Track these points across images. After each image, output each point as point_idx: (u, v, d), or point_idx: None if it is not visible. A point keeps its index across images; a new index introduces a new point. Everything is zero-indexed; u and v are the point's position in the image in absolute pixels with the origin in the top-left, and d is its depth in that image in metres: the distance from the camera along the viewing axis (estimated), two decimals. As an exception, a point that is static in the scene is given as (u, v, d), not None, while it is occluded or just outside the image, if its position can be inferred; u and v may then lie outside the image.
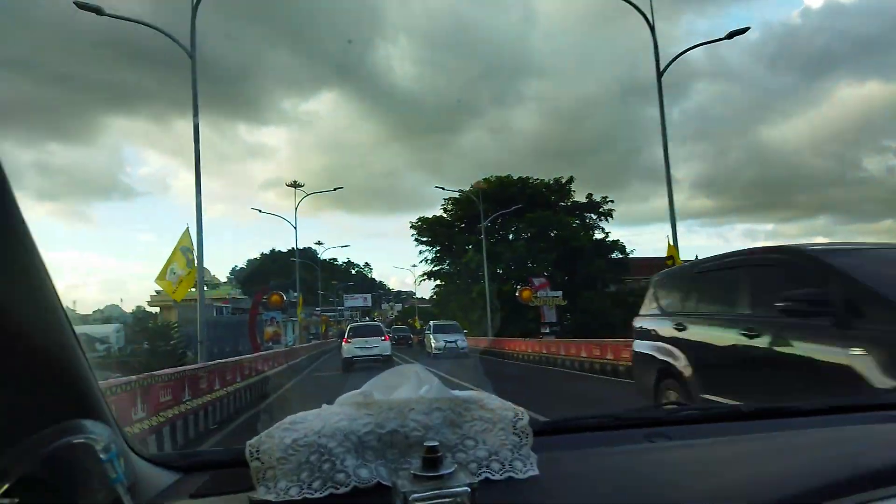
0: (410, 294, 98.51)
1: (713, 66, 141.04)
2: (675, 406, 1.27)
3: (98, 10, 12.52)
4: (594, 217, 38.24)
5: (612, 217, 38.10)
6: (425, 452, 0.78)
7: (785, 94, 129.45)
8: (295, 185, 31.75)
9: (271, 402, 11.43)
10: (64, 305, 0.64)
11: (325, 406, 0.97)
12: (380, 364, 19.07)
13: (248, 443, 0.87)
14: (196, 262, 10.04)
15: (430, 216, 41.59)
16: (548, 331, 25.93)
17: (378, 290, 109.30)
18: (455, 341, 25.53)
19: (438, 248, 41.15)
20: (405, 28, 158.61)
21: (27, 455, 0.59)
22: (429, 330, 28.40)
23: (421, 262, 44.47)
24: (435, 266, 42.09)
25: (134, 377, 6.38)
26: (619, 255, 37.05)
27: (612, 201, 38.40)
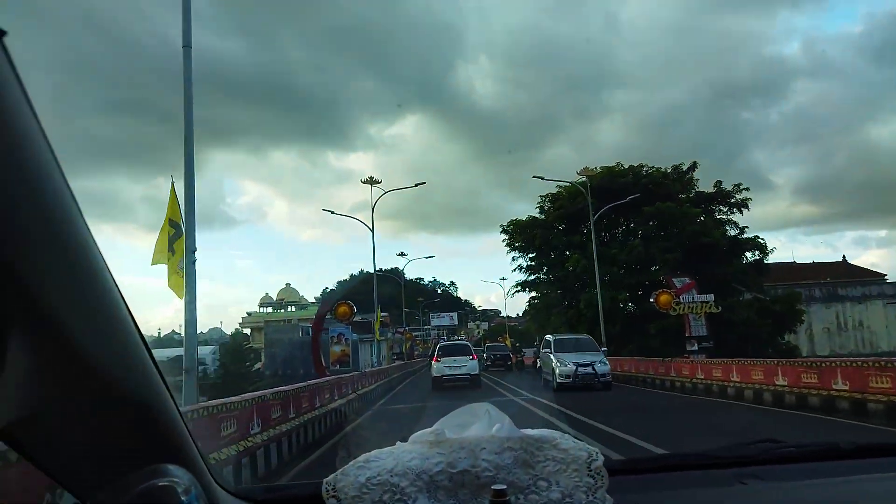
0: (496, 312, 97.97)
1: (812, 63, 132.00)
2: (768, 443, 1.18)
3: None
4: (724, 209, 30.47)
5: (747, 208, 30.04)
6: (493, 496, 0.78)
7: (894, 88, 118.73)
8: (371, 181, 32.15)
9: (346, 434, 10.87)
10: (153, 355, 0.71)
11: (398, 444, 0.99)
12: (467, 384, 19.88)
13: (325, 480, 0.91)
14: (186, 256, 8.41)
15: (524, 218, 35.15)
16: (696, 347, 19.29)
17: (463, 308, 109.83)
18: (592, 364, 17.67)
19: (534, 254, 34.70)
20: (486, 47, 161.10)
21: (115, 498, 0.66)
22: (547, 347, 20.05)
23: (514, 270, 37.36)
24: (530, 276, 35.28)
25: (205, 403, 6.51)
26: (758, 255, 29.19)
27: (747, 188, 30.43)
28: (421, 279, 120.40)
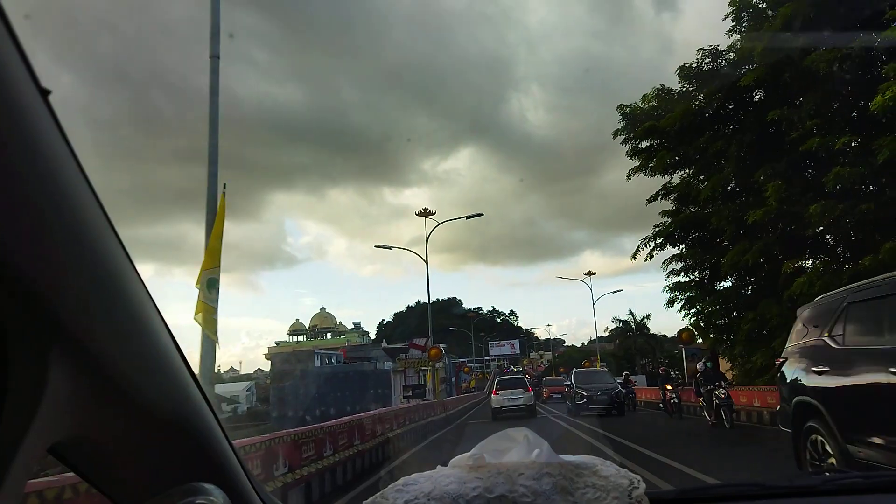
0: (560, 341, 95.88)
1: None
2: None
3: None
4: None
5: None
6: None
7: None
8: (426, 213, 32.63)
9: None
10: (196, 376, 0.77)
11: (438, 467, 1.02)
12: (524, 414, 22.17)
13: (364, 502, 0.95)
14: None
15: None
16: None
17: (524, 336, 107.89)
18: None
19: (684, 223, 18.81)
20: (536, 77, 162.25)
21: None
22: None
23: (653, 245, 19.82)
24: (683, 264, 19.56)
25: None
26: None
27: None
28: (479, 308, 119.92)
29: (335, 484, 8.91)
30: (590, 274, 48.96)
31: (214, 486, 0.77)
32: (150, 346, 0.68)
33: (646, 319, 53.68)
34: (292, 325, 78.64)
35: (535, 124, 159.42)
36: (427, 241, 31.02)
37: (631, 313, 54.17)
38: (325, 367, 46.17)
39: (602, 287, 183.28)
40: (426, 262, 30.84)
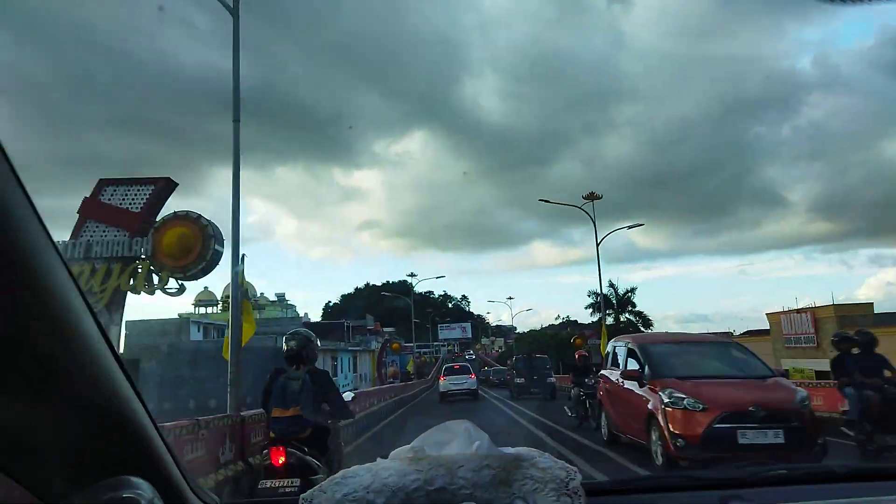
0: (512, 328, 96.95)
1: (825, 76, 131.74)
2: (757, 465, 1.21)
3: None
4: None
5: None
6: None
7: None
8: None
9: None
10: (126, 368, 0.75)
11: (378, 460, 1.04)
12: (469, 398, 24.89)
13: (302, 496, 0.95)
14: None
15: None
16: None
17: (476, 320, 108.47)
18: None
19: None
20: (490, 62, 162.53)
21: None
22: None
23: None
24: None
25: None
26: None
27: None
28: (430, 293, 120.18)
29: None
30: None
31: (142, 479, 0.76)
32: (73, 334, 0.65)
33: (631, 294, 45.53)
34: (199, 294, 64.81)
35: (488, 110, 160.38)
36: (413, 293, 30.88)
37: (612, 285, 45.21)
38: (205, 343, 34.77)
39: (552, 277, 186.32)
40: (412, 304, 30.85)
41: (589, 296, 46.49)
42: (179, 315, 45.53)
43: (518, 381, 25.65)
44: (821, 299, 31.41)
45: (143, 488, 0.74)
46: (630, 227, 28.95)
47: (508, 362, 48.53)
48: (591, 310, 46.12)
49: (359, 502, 0.93)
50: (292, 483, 4.27)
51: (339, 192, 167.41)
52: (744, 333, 40.37)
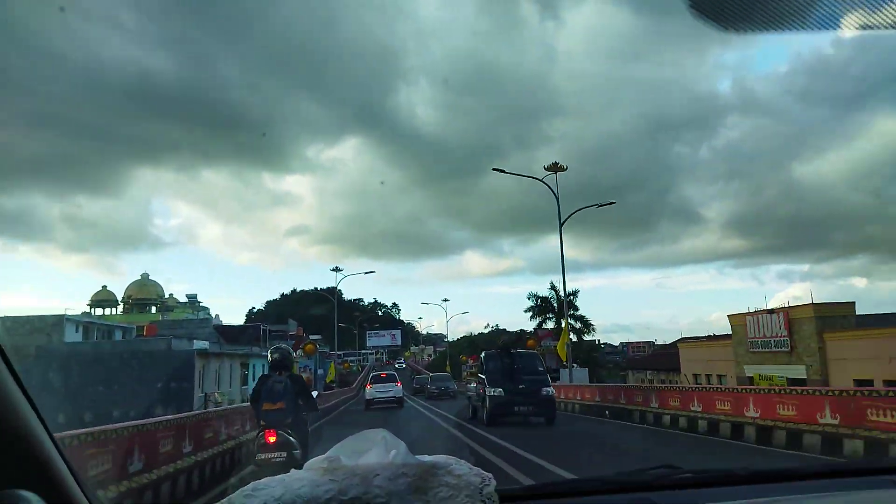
0: (442, 337, 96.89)
1: (742, 99, 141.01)
2: (664, 469, 1.27)
3: None
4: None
5: None
6: None
7: (819, 127, 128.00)
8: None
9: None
10: (19, 377, 0.71)
11: (292, 471, 1.02)
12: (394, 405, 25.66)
13: None
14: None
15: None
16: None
17: (405, 327, 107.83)
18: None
19: None
20: (424, 71, 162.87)
21: None
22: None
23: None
24: None
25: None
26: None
27: None
28: (360, 299, 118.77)
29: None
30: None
31: (33, 493, 0.73)
32: None
33: (573, 297, 43.34)
34: (95, 294, 57.06)
35: (424, 120, 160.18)
36: (336, 287, 30.15)
37: (553, 288, 43.74)
38: (82, 345, 29.81)
39: (483, 287, 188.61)
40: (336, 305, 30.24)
41: (529, 298, 45.59)
42: (79, 316, 38.88)
43: (494, 391, 15.69)
44: (732, 311, 30.86)
45: (33, 502, 0.70)
46: (599, 206, 25.95)
47: (469, 364, 46.89)
48: (530, 313, 45.38)
49: None
50: (280, 455, 6.12)
51: (268, 197, 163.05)
52: (705, 338, 37.88)
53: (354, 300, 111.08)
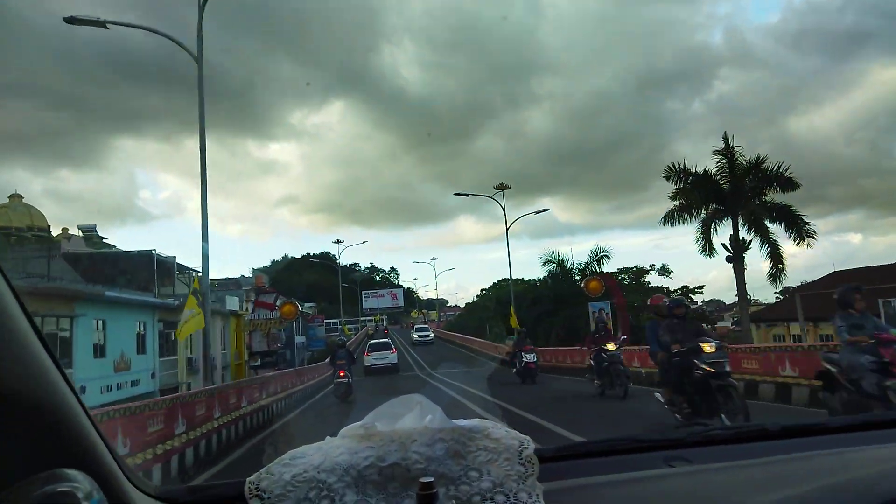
0: (444, 301, 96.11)
1: (734, 51, 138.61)
2: (696, 426, 1.29)
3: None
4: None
5: None
6: (420, 489, 0.83)
7: (812, 78, 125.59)
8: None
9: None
10: (56, 357, 0.72)
11: (328, 438, 1.03)
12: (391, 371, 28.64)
13: (248, 479, 0.94)
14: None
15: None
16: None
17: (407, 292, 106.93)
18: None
19: None
20: (407, 29, 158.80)
21: None
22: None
23: None
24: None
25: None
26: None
27: None
28: (356, 265, 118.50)
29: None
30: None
31: (79, 471, 0.74)
32: (2, 327, 0.64)
33: (605, 258, 38.34)
34: None
35: (410, 80, 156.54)
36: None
37: (557, 260, 38.54)
38: None
39: (477, 254, 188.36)
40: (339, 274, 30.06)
41: (540, 258, 40.35)
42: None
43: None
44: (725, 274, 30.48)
45: (80, 480, 0.71)
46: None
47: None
48: (546, 275, 41.54)
49: (309, 482, 0.93)
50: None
51: (254, 166, 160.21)
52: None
53: (351, 264, 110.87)
